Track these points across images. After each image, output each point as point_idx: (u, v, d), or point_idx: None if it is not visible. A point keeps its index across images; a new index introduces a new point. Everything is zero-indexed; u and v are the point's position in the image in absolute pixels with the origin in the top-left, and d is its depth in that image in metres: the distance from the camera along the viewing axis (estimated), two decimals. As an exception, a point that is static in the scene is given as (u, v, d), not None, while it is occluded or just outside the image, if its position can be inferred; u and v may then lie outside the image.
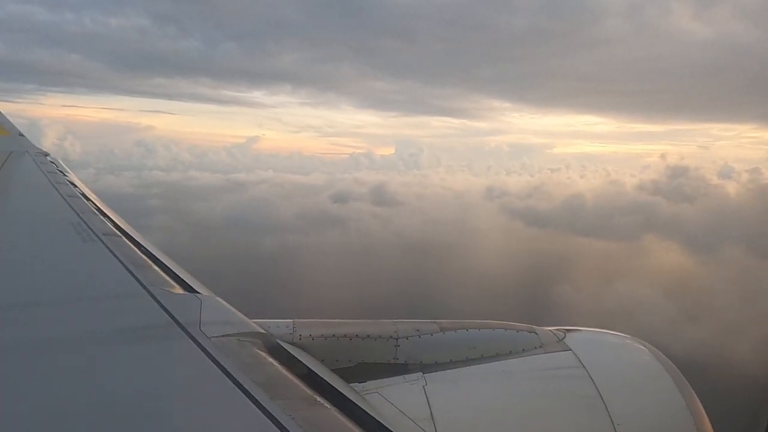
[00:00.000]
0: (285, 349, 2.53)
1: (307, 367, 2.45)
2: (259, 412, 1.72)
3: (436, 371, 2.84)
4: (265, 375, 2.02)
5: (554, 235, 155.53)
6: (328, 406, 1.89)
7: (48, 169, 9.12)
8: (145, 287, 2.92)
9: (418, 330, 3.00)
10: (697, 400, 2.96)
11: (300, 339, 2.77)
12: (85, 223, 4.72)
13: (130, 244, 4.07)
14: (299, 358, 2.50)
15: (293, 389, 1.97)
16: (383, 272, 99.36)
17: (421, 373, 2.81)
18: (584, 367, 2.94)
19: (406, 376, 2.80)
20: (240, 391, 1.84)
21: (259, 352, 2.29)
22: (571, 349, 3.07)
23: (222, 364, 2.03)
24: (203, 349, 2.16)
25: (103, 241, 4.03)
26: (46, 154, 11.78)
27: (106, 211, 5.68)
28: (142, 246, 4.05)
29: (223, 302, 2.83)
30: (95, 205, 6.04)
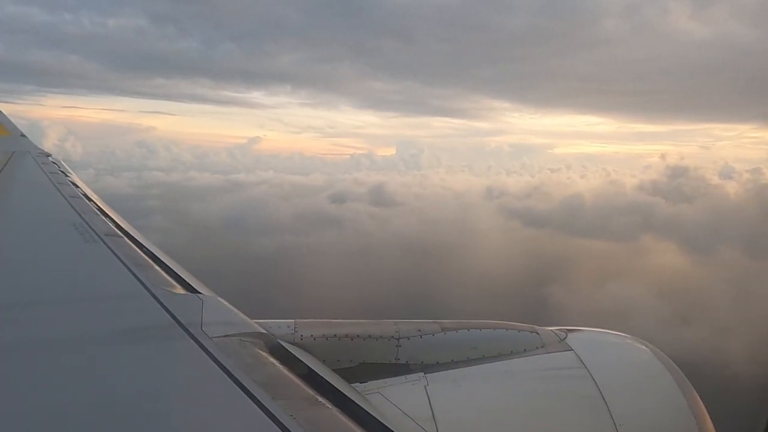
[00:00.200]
0: (286, 349, 2.53)
1: (309, 367, 2.45)
2: (261, 412, 1.72)
3: (437, 371, 2.84)
4: (267, 375, 2.02)
5: (552, 235, 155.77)
6: (330, 406, 1.89)
7: (50, 169, 9.13)
8: (146, 287, 2.92)
9: (419, 330, 3.00)
10: (699, 400, 2.96)
11: (301, 339, 2.77)
12: (87, 223, 4.73)
13: (131, 244, 4.08)
14: (300, 358, 2.50)
15: (295, 389, 1.97)
16: (381, 272, 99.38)
17: (422, 373, 2.81)
18: (586, 367, 2.94)
19: (407, 376, 2.80)
20: (241, 391, 1.84)
21: (261, 352, 2.29)
22: (572, 349, 3.07)
23: (223, 364, 2.04)
24: (205, 349, 2.16)
25: (104, 242, 4.04)
26: (48, 155, 11.80)
27: (107, 212, 5.69)
28: (144, 246, 4.05)
29: (225, 302, 2.84)
30: (97, 205, 6.05)
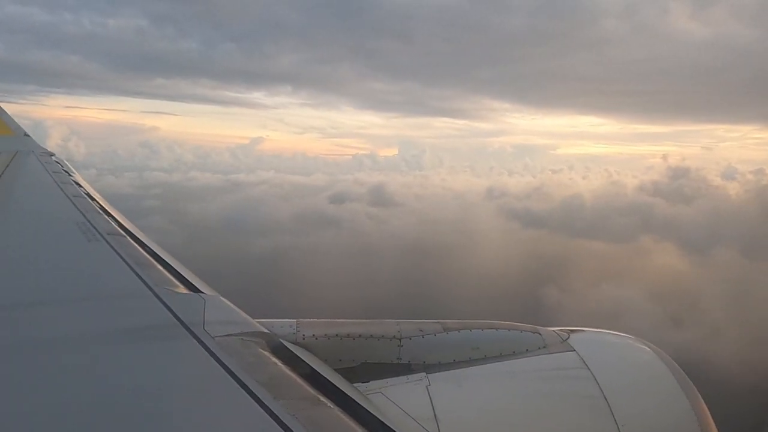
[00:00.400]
0: (288, 349, 2.53)
1: (311, 366, 2.45)
2: (263, 411, 1.72)
3: (439, 371, 2.83)
4: (269, 374, 2.02)
5: (551, 236, 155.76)
6: (332, 406, 1.89)
7: (53, 168, 9.16)
8: (149, 287, 2.93)
9: (421, 330, 3.00)
10: (702, 402, 2.95)
11: (303, 339, 2.77)
12: (90, 222, 4.74)
13: (134, 243, 4.08)
14: (302, 358, 2.50)
15: (296, 389, 1.97)
16: (379, 272, 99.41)
17: (424, 374, 2.81)
18: (588, 367, 2.93)
19: (409, 376, 2.79)
20: (243, 391, 1.84)
21: (263, 351, 2.29)
22: (574, 350, 3.07)
23: (225, 363, 2.04)
24: (207, 349, 2.16)
25: (107, 241, 4.05)
26: (51, 154, 11.84)
27: (110, 211, 5.70)
28: (146, 246, 4.06)
29: (227, 302, 2.84)
30: (99, 204, 6.07)
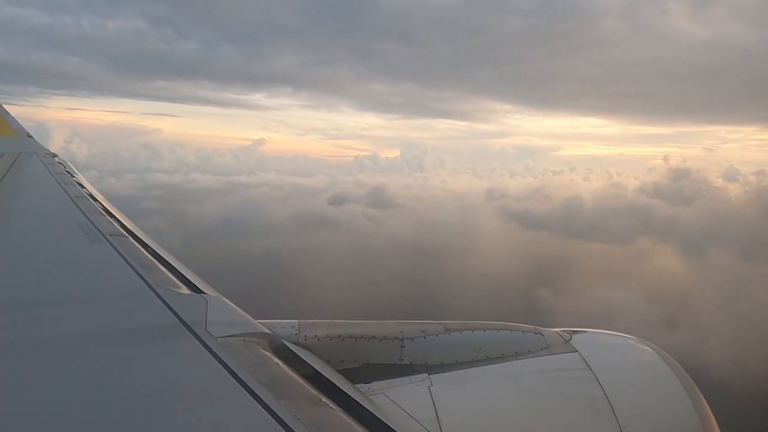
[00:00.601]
0: (290, 350, 2.53)
1: (313, 367, 2.45)
2: (265, 412, 1.72)
3: (441, 372, 2.83)
4: (271, 375, 2.02)
5: (549, 237, 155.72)
6: (334, 407, 1.89)
7: (56, 170, 9.19)
8: (151, 287, 2.93)
9: (423, 331, 2.99)
10: (705, 403, 2.94)
11: (305, 339, 2.77)
12: (92, 223, 4.75)
13: (136, 244, 4.09)
14: (304, 359, 2.50)
15: (298, 389, 1.97)
16: (376, 274, 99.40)
17: (426, 374, 2.80)
18: (590, 368, 2.92)
19: (411, 377, 2.79)
20: (245, 391, 1.84)
21: (265, 352, 2.29)
22: (577, 351, 3.06)
23: (227, 364, 2.04)
24: (209, 349, 2.16)
25: (109, 242, 4.06)
26: (54, 155, 11.88)
27: (113, 212, 5.71)
28: (149, 246, 4.07)
29: (229, 303, 2.84)
30: (102, 205, 6.09)
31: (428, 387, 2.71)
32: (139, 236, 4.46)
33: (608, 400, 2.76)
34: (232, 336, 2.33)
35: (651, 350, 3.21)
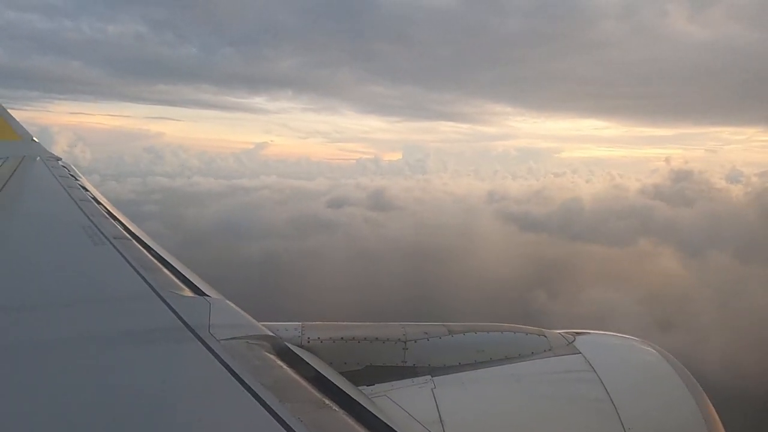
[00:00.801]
0: (293, 352, 2.54)
1: (316, 369, 2.45)
2: (268, 414, 1.72)
3: (444, 374, 2.82)
4: (274, 378, 2.02)
5: (548, 239, 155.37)
6: (337, 409, 1.89)
7: (60, 173, 9.23)
8: (154, 290, 2.94)
9: (426, 333, 2.99)
10: (709, 403, 2.93)
11: (308, 342, 2.77)
12: (96, 226, 4.77)
13: (139, 247, 4.10)
14: (308, 361, 2.50)
15: (302, 392, 1.97)
16: (373, 276, 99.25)
17: (429, 376, 2.80)
18: (594, 370, 2.92)
19: (414, 379, 2.79)
20: (249, 394, 1.84)
21: (268, 354, 2.29)
22: (580, 353, 3.05)
23: (231, 366, 2.04)
24: (212, 352, 2.17)
25: (113, 244, 4.07)
26: (58, 159, 11.93)
27: (116, 215, 5.73)
28: (152, 249, 4.08)
29: (232, 305, 2.85)
30: (105, 208, 6.11)
31: (431, 389, 2.70)
32: (143, 239, 4.47)
33: (612, 402, 2.75)
34: (235, 338, 2.33)
35: (654, 351, 3.20)
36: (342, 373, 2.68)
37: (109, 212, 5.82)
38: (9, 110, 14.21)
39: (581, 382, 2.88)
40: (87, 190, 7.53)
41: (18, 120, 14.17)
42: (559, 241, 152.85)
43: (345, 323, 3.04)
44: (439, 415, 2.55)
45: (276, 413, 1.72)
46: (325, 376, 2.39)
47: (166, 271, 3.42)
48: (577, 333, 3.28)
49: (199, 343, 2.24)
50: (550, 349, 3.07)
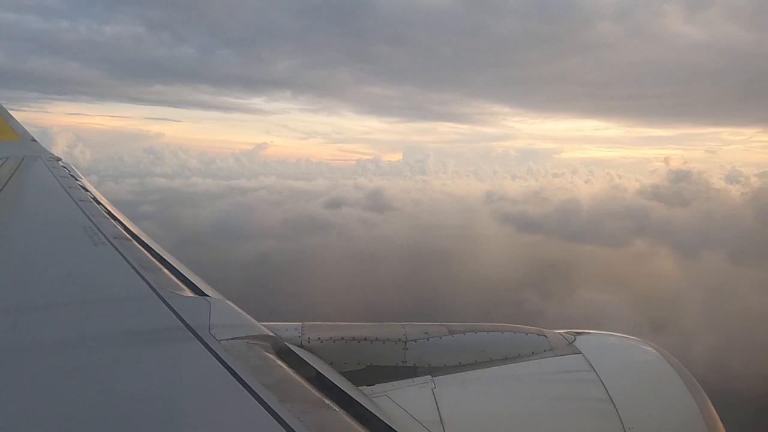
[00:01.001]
0: (294, 352, 2.54)
1: (316, 369, 2.45)
2: (268, 414, 1.72)
3: (445, 374, 2.83)
4: (274, 378, 2.02)
5: (544, 240, 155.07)
6: (337, 409, 1.89)
7: (60, 173, 9.23)
8: (154, 290, 2.94)
9: (426, 333, 2.99)
10: (710, 404, 2.93)
11: (309, 342, 2.78)
12: (96, 226, 4.77)
13: (139, 247, 4.10)
14: (308, 361, 2.50)
15: (302, 392, 1.97)
16: (370, 276, 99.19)
17: (430, 376, 2.80)
18: (594, 370, 2.92)
19: (414, 379, 2.79)
20: (249, 394, 1.84)
21: (268, 354, 2.29)
22: (581, 353, 3.05)
23: (231, 366, 2.04)
24: (212, 352, 2.17)
25: (113, 245, 4.07)
26: (58, 159, 11.93)
27: (116, 215, 5.74)
28: (152, 249, 4.08)
29: (233, 305, 2.85)
30: (105, 208, 6.11)
31: (432, 389, 2.70)
32: (143, 239, 4.47)
33: (612, 402, 2.75)
34: (235, 339, 2.33)
35: (655, 351, 3.20)
36: (342, 373, 2.68)
37: (109, 212, 5.83)
38: (8, 111, 14.22)
39: (581, 382, 2.88)
40: (87, 191, 7.54)
41: (18, 120, 14.18)
42: (555, 242, 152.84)
43: (345, 323, 3.05)
44: (440, 415, 2.56)
45: (276, 413, 1.72)
46: (325, 376, 2.39)
47: (166, 271, 3.42)
48: (577, 333, 3.28)
49: (200, 343, 2.25)
50: (550, 349, 3.08)
